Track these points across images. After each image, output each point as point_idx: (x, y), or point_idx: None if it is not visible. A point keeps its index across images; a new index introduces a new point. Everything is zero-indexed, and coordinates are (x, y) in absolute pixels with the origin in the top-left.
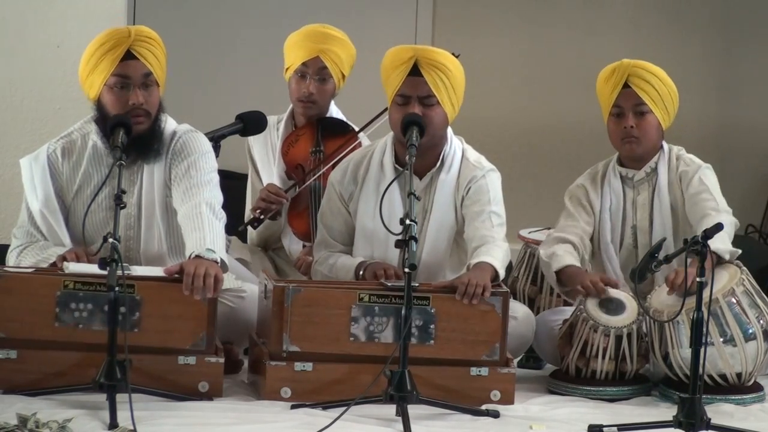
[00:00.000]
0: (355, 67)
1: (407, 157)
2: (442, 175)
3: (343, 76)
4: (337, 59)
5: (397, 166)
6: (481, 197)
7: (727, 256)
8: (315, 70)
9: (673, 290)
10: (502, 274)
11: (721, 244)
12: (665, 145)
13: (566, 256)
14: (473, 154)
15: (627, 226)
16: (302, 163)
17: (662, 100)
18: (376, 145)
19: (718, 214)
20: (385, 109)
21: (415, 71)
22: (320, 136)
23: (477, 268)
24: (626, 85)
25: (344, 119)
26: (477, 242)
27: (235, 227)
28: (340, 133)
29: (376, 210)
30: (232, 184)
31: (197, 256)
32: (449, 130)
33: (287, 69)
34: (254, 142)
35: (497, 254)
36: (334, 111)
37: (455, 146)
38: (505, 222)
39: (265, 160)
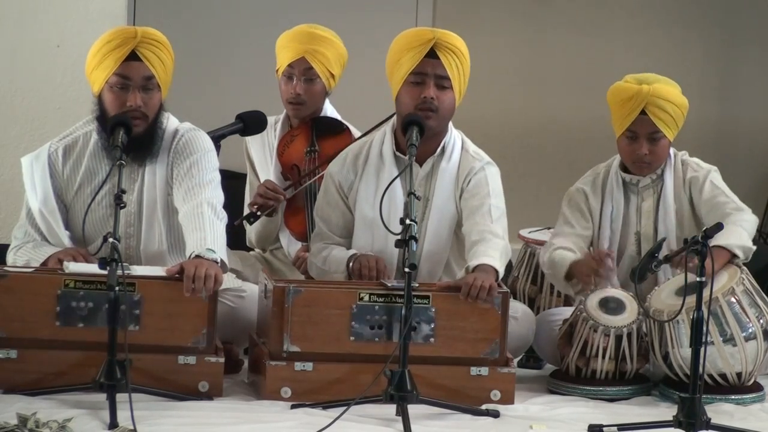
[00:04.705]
0: (356, 67)
1: (407, 157)
2: (443, 163)
3: (333, 75)
4: (323, 59)
5: (398, 153)
6: (480, 190)
7: (739, 253)
8: (301, 71)
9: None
10: (501, 272)
11: (738, 240)
12: (671, 151)
13: (566, 256)
14: (472, 146)
15: (630, 233)
16: (297, 164)
17: (675, 122)
18: (375, 136)
19: (740, 212)
20: (388, 118)
21: (431, 54)
22: (315, 135)
23: (479, 271)
24: (642, 112)
25: (339, 118)
26: (475, 236)
27: (233, 225)
28: (334, 132)
29: (376, 199)
30: (232, 183)
31: (197, 256)
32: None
33: (278, 70)
34: (252, 142)
35: (495, 253)
36: (329, 110)
37: (455, 136)
38: (505, 213)
39: (263, 161)
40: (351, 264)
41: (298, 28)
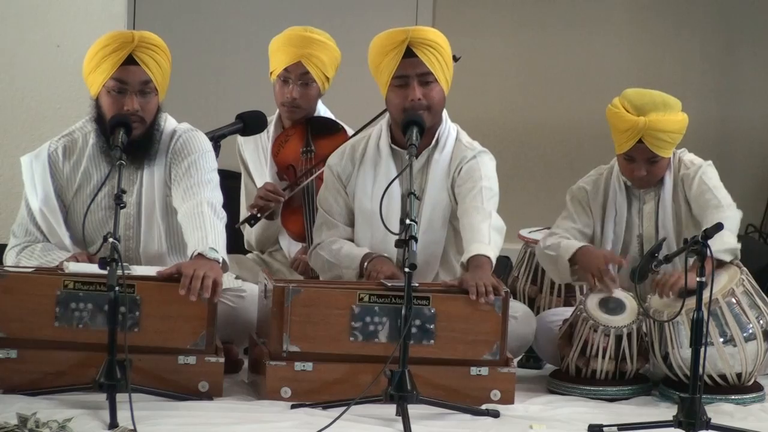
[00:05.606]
0: (355, 68)
1: (407, 156)
2: (437, 154)
3: (328, 78)
4: (319, 63)
5: (393, 146)
6: (473, 175)
7: (727, 258)
8: (297, 75)
9: (664, 293)
10: (495, 254)
11: (721, 245)
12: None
13: (573, 241)
14: (466, 137)
15: (633, 236)
16: (293, 164)
17: (674, 144)
18: (372, 130)
19: (719, 210)
20: (382, 113)
21: (408, 53)
22: (310, 135)
23: (476, 267)
24: (640, 141)
25: (332, 117)
26: (466, 218)
27: (233, 226)
28: (329, 132)
29: (374, 192)
30: (232, 183)
31: (200, 255)
32: (444, 111)
33: (272, 73)
34: (245, 144)
35: (485, 238)
36: (322, 110)
37: (449, 127)
38: (498, 196)
39: (257, 162)
40: (366, 264)
41: (293, 32)
